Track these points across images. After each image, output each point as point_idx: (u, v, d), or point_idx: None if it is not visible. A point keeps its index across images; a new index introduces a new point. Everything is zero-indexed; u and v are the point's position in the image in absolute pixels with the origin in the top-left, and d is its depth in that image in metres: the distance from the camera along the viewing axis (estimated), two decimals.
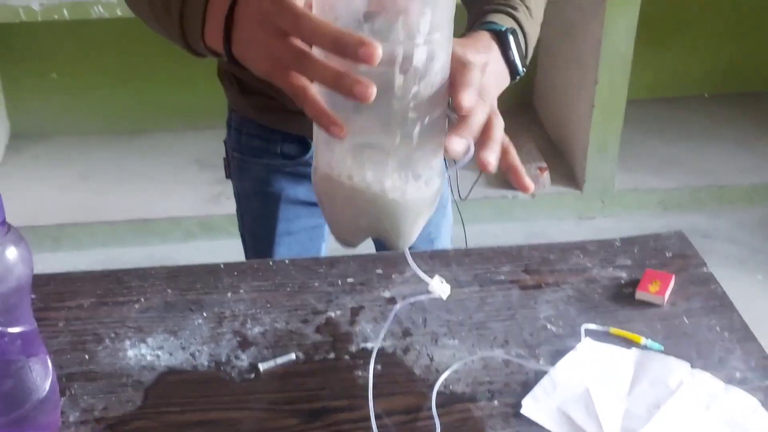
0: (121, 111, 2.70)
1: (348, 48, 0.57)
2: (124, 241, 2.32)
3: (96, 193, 2.46)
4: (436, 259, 1.05)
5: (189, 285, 1.00)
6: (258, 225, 1.28)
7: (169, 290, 0.99)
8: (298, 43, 0.61)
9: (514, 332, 0.93)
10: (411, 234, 0.70)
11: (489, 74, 0.77)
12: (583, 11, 2.41)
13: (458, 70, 0.66)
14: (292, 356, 0.89)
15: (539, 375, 0.86)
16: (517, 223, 2.51)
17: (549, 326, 0.94)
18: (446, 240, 1.36)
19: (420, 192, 0.67)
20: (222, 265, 1.03)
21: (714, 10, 2.78)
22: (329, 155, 0.67)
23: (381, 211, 0.67)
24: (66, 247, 2.36)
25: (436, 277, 0.77)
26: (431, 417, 0.81)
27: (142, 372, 0.87)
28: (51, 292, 0.98)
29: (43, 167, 2.60)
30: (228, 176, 1.31)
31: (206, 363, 0.88)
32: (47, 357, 0.78)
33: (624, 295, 0.98)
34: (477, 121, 0.69)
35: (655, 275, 0.99)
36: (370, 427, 0.79)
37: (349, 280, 1.00)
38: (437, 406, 0.82)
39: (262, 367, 0.88)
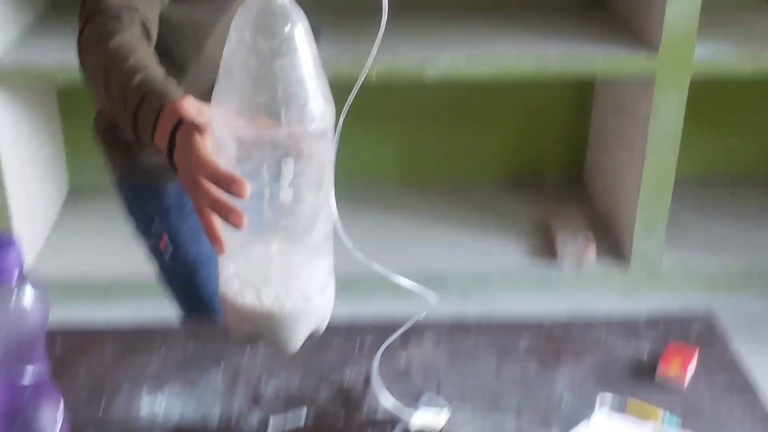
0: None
1: (222, 183, 0.71)
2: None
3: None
4: (456, 330, 1.04)
5: (209, 340, 1.01)
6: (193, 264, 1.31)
7: (190, 344, 1.00)
8: (195, 174, 0.74)
9: (528, 402, 0.92)
10: (293, 343, 0.78)
11: None
12: (632, 89, 2.41)
13: None
14: (303, 416, 0.89)
15: None
16: (561, 297, 2.48)
17: (565, 397, 0.92)
18: None
19: (299, 307, 0.76)
20: None
21: (765, 89, 2.76)
22: (225, 273, 0.78)
23: (264, 323, 0.76)
24: (115, 301, 2.40)
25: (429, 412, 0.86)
26: None
27: (154, 425, 0.88)
28: (75, 344, 1.01)
29: (98, 223, 2.66)
30: (172, 256, 1.33)
31: (218, 419, 0.89)
32: (59, 405, 0.79)
33: (644, 372, 0.96)
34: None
35: (678, 353, 0.97)
36: None
37: (366, 345, 1.01)
38: None
39: (272, 425, 0.88)
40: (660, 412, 0.88)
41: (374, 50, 0.81)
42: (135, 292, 2.42)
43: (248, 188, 0.70)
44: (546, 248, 2.55)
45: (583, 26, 2.43)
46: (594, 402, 0.91)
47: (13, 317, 0.73)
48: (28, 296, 0.73)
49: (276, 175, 0.71)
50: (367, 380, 0.95)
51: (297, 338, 0.77)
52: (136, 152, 1.26)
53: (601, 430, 0.87)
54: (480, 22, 2.46)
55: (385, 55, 2.08)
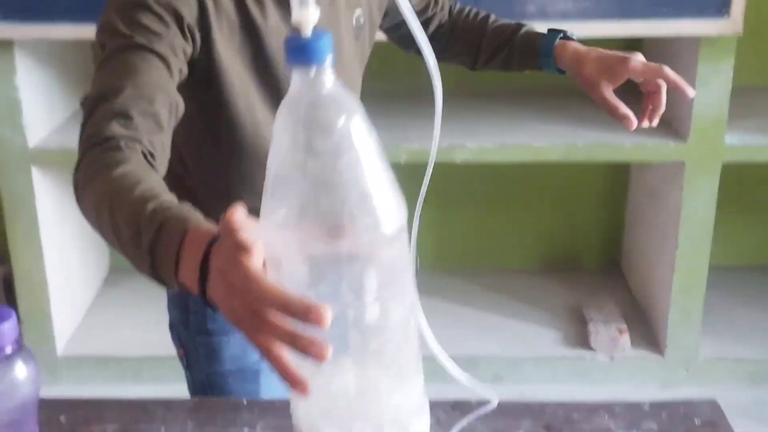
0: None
1: (298, 312, 0.58)
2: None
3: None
4: (458, 410, 1.04)
5: (209, 418, 1.02)
6: None
7: (190, 422, 1.01)
8: (252, 305, 0.61)
9: None
10: None
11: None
12: (665, 174, 2.41)
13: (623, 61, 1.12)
14: None
15: None
16: (595, 386, 2.43)
17: None
18: None
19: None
20: (245, 402, 1.05)
21: None
22: (299, 416, 0.68)
23: None
24: (145, 380, 2.43)
25: None
26: None
27: None
28: (80, 417, 1.02)
29: (135, 302, 2.71)
30: (187, 367, 1.22)
31: None
32: None
33: None
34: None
35: None
36: None
37: None
38: None
39: None
40: None
41: (434, 143, 0.80)
42: (164, 371, 2.44)
43: (330, 313, 0.57)
44: (580, 336, 2.51)
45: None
46: None
47: (5, 388, 0.75)
48: (21, 368, 0.75)
49: (358, 292, 0.60)
50: None
51: None
52: None
53: None
54: (509, 106, 2.49)
55: (413, 142, 2.13)
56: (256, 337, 0.61)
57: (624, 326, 2.47)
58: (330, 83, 0.60)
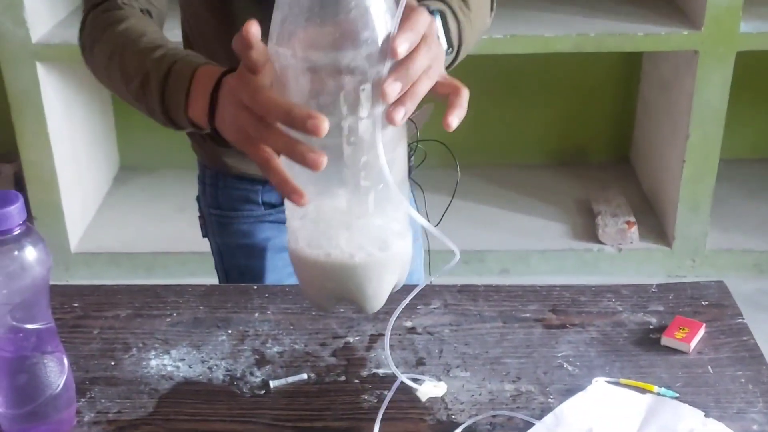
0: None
1: (297, 120, 0.63)
2: (210, 271, 2.40)
3: (189, 224, 2.56)
4: (465, 293, 1.05)
5: (220, 303, 1.03)
6: (246, 279, 1.23)
7: (201, 307, 1.03)
8: (256, 114, 0.67)
9: (528, 369, 0.92)
10: (378, 297, 0.73)
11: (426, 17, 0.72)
12: (677, 66, 2.37)
13: (406, 15, 0.67)
14: (304, 376, 0.91)
15: (546, 411, 0.85)
16: (602, 277, 2.45)
17: (565, 366, 0.92)
18: (419, 270, 1.29)
19: (380, 255, 0.70)
20: (255, 287, 1.06)
21: None
22: (294, 227, 0.72)
23: (343, 275, 0.71)
24: (158, 275, 2.47)
25: (427, 383, 0.83)
26: None
27: (160, 381, 0.91)
28: (93, 302, 1.04)
29: (145, 198, 2.73)
30: (205, 235, 1.27)
31: (221, 377, 0.91)
32: (63, 355, 0.82)
33: (650, 340, 0.95)
34: (416, 67, 0.68)
35: (685, 322, 0.96)
36: None
37: None
38: None
39: (273, 384, 0.90)
40: (655, 389, 0.87)
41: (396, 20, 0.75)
42: (177, 266, 2.47)
43: (327, 123, 0.62)
44: (588, 229, 2.52)
45: (624, 1, 2.39)
46: (594, 371, 0.91)
47: (17, 268, 0.75)
48: (30, 250, 0.76)
49: (354, 106, 0.63)
50: (372, 341, 0.96)
51: (380, 292, 0.71)
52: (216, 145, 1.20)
53: (597, 399, 0.86)
54: None
55: None
56: (258, 151, 0.67)
57: (632, 218, 2.48)
58: None
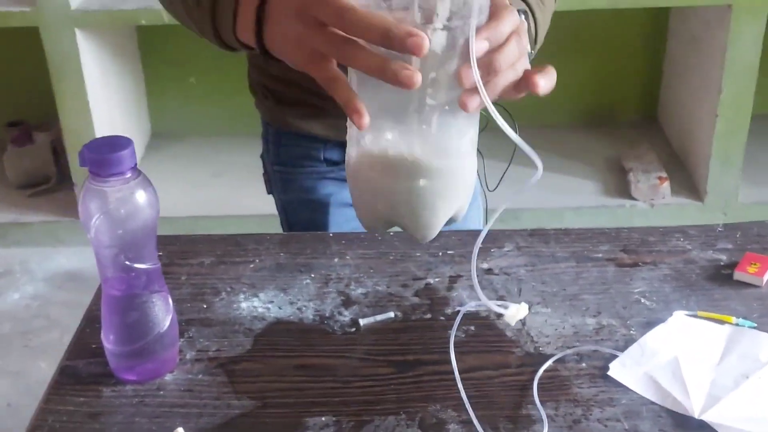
0: (252, 114, 2.84)
1: (396, 40, 0.59)
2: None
3: (227, 189, 2.60)
4: (536, 237, 1.08)
5: (300, 250, 1.06)
6: None
7: (282, 254, 1.06)
8: (338, 33, 0.63)
9: (606, 304, 0.95)
10: (431, 224, 0.70)
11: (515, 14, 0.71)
12: (708, 21, 2.38)
13: (496, 11, 0.66)
14: (391, 314, 0.94)
15: (629, 343, 0.88)
16: None
17: (643, 301, 0.95)
18: (479, 226, 1.31)
19: (439, 174, 0.68)
20: (331, 234, 1.10)
21: None
22: (356, 143, 0.70)
23: (400, 196, 0.68)
24: None
25: (512, 306, 0.85)
26: (519, 374, 0.85)
27: (253, 321, 0.95)
28: (176, 251, 1.07)
29: (179, 165, 2.76)
30: (269, 192, 1.30)
31: (311, 317, 0.95)
32: (168, 296, 0.86)
33: (722, 276, 0.99)
34: (503, 58, 0.67)
35: (755, 258, 0.99)
36: (456, 381, 0.83)
37: (449, 252, 1.05)
38: (525, 365, 0.86)
39: (362, 322, 0.93)
40: (734, 320, 0.91)
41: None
42: (217, 229, 2.50)
43: (428, 40, 0.58)
44: (620, 185, 2.55)
45: None
46: (671, 305, 0.94)
47: (129, 209, 0.79)
48: (142, 192, 0.79)
49: (428, 15, 0.60)
50: (452, 282, 0.99)
51: (437, 218, 0.69)
52: (283, 106, 1.21)
53: (678, 330, 0.90)
54: None
55: None
56: (328, 71, 0.64)
57: (664, 174, 2.50)
58: None
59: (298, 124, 1.20)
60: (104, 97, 2.41)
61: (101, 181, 0.78)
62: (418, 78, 0.61)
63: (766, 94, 2.58)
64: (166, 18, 2.20)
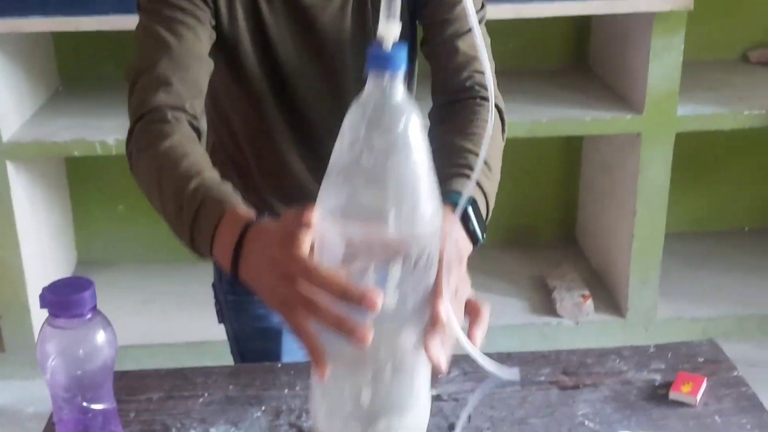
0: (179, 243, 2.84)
1: (354, 298, 0.66)
2: (182, 361, 2.40)
3: (157, 317, 2.57)
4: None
5: (249, 382, 1.07)
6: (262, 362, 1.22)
7: (231, 386, 1.06)
8: (304, 288, 0.70)
9: (553, 428, 0.98)
10: None
11: (453, 246, 0.78)
12: (619, 147, 2.52)
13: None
14: None
15: None
16: (561, 348, 2.55)
17: (587, 423, 0.99)
18: None
19: (393, 422, 0.74)
20: (279, 365, 1.11)
21: (749, 145, 2.88)
22: (314, 394, 0.76)
23: None
24: (128, 367, 2.45)
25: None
26: None
27: None
28: (124, 386, 1.06)
29: (107, 293, 2.71)
30: (221, 321, 1.31)
31: None
32: None
33: (658, 396, 1.03)
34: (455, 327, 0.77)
35: (688, 377, 1.04)
36: None
37: None
38: None
39: None
40: None
41: None
42: (147, 357, 2.46)
43: (381, 297, 0.65)
44: (545, 304, 2.62)
45: (570, 90, 2.55)
46: (613, 425, 0.98)
47: (87, 351, 0.80)
48: (101, 334, 0.80)
49: (383, 279, 0.66)
50: None
51: None
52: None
53: None
54: None
55: None
56: (297, 320, 0.70)
57: (587, 292, 2.59)
58: (399, 90, 0.66)
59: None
60: (34, 228, 2.39)
61: (61, 322, 0.79)
62: (369, 336, 0.67)
63: (677, 214, 2.72)
64: (99, 149, 2.22)
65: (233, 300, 1.27)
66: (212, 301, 1.33)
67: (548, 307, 2.61)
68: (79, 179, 2.76)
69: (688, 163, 2.74)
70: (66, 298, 0.78)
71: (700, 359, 1.10)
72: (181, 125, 0.96)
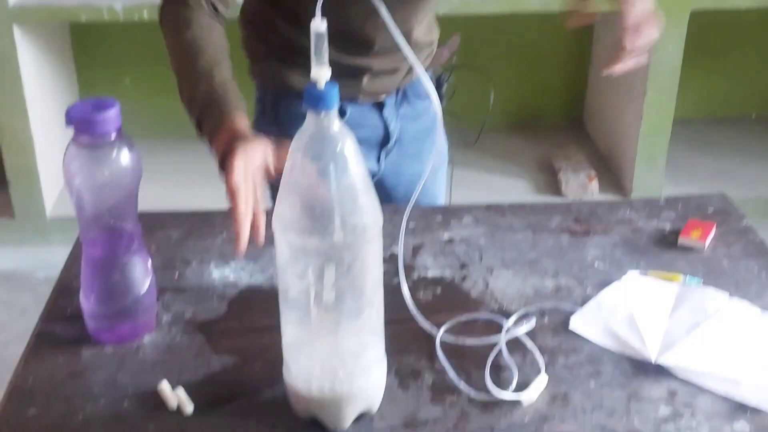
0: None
1: (235, 229, 0.87)
2: None
3: (164, 191, 2.59)
4: (492, 210, 1.13)
5: (269, 222, 1.09)
6: None
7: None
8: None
9: (564, 268, 1.01)
10: (342, 422, 0.81)
11: None
12: None
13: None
14: None
15: (586, 300, 0.94)
16: None
17: (597, 264, 1.01)
18: (442, 196, 1.41)
19: (342, 390, 0.79)
20: None
21: (763, 30, 2.84)
22: (284, 360, 0.82)
23: (313, 405, 0.80)
24: None
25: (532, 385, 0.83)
26: (486, 329, 0.90)
27: (225, 287, 0.97)
28: (143, 225, 1.09)
29: None
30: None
31: None
32: (148, 258, 0.88)
33: (668, 241, 1.05)
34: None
35: (697, 224, 1.06)
36: (428, 335, 0.87)
37: (411, 225, 1.09)
38: (492, 321, 0.91)
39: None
40: (681, 276, 0.98)
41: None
42: None
43: (242, 249, 0.87)
44: (551, 184, 2.64)
45: None
46: (623, 267, 1.00)
47: (112, 172, 0.81)
48: (125, 154, 0.81)
49: (320, 278, 0.76)
50: (416, 251, 1.04)
51: (345, 418, 0.81)
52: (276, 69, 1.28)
53: (632, 287, 0.96)
54: None
55: None
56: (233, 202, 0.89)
57: (593, 173, 2.61)
58: (334, 124, 0.75)
59: (298, 83, 1.23)
60: (41, 94, 2.38)
61: (86, 139, 0.80)
62: (241, 250, 0.88)
63: (685, 101, 2.71)
64: (106, 14, 2.19)
65: (276, 132, 1.28)
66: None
67: (554, 188, 2.62)
68: (84, 49, 2.74)
69: (699, 46, 2.71)
70: (91, 117, 0.79)
71: (711, 210, 1.12)
72: (204, 10, 1.05)
